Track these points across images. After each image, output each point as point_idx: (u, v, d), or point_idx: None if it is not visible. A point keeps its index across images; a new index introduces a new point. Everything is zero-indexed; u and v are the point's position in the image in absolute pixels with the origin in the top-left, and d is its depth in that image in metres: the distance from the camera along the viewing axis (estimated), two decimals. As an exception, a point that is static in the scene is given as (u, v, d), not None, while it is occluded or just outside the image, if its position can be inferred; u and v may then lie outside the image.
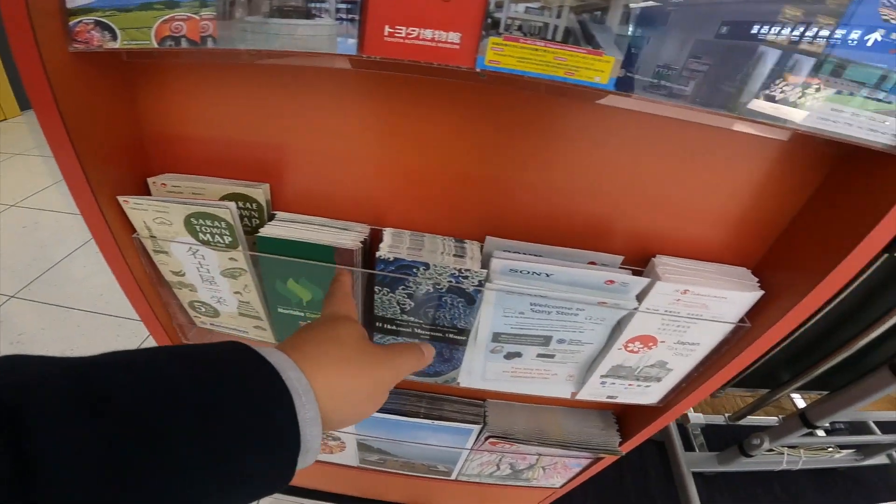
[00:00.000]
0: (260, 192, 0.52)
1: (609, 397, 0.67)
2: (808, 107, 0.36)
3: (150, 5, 0.36)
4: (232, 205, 0.47)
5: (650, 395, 0.67)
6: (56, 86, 0.39)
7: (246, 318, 0.62)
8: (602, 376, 0.63)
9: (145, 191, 0.52)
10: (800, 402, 1.54)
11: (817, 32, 0.33)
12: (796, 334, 0.95)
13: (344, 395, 0.32)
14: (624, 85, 0.36)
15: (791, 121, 0.37)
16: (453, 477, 1.00)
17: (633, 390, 0.66)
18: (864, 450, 1.58)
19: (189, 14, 0.36)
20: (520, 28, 0.35)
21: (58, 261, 1.97)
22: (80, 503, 0.19)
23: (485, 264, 0.51)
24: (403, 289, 0.52)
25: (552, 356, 0.60)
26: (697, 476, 1.50)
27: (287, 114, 0.49)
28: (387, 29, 0.35)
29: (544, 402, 0.83)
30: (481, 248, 0.53)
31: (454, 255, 0.51)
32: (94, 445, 0.20)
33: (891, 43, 0.33)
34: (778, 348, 1.01)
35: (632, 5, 0.33)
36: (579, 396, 0.67)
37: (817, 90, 0.35)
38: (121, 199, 0.48)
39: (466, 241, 0.54)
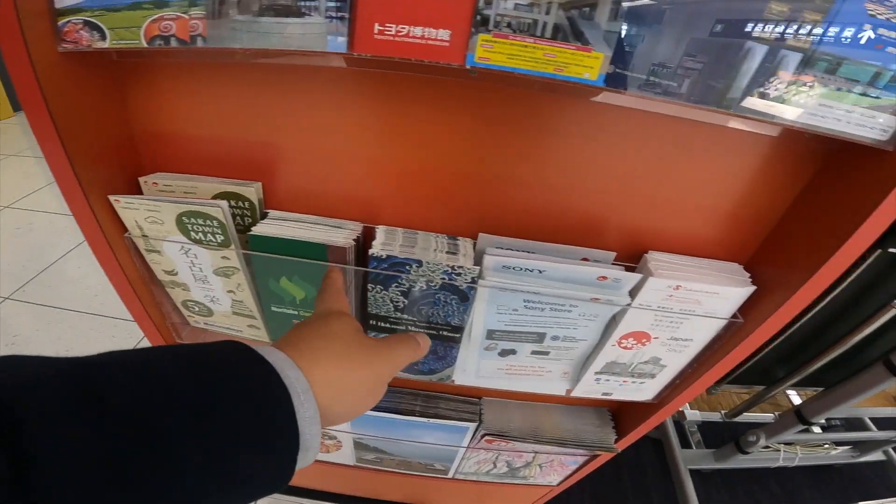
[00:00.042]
0: (252, 191, 0.52)
1: (604, 394, 0.67)
2: (798, 103, 0.36)
3: (138, 5, 0.36)
4: (224, 203, 0.47)
5: (645, 391, 0.67)
6: (45, 86, 0.39)
7: (239, 316, 0.62)
8: (596, 373, 0.63)
9: (137, 190, 0.52)
10: (795, 399, 1.55)
11: (809, 30, 0.33)
12: (791, 330, 0.96)
13: (343, 390, 0.32)
14: (613, 81, 0.36)
15: (782, 117, 0.37)
16: (450, 475, 1.00)
17: (628, 387, 0.66)
18: (860, 446, 1.59)
19: (178, 13, 0.36)
20: (509, 25, 0.35)
21: (52, 262, 1.96)
22: (78, 503, 0.19)
23: (478, 261, 0.51)
24: (397, 286, 0.52)
25: (546, 353, 0.60)
26: (695, 473, 1.50)
27: (279, 112, 0.49)
28: (376, 27, 0.35)
29: (540, 399, 0.84)
30: (474, 245, 0.53)
31: (447, 252, 0.51)
32: (93, 445, 0.20)
33: (879, 39, 0.34)
34: (773, 344, 1.01)
35: (623, 3, 0.33)
36: (574, 393, 0.67)
37: (808, 87, 0.36)
38: (112, 198, 0.48)
39: (459, 238, 0.54)
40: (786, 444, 1.49)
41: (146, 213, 0.49)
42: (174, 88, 0.48)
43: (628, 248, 0.55)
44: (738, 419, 1.45)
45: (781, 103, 0.36)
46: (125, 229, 0.51)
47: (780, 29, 0.34)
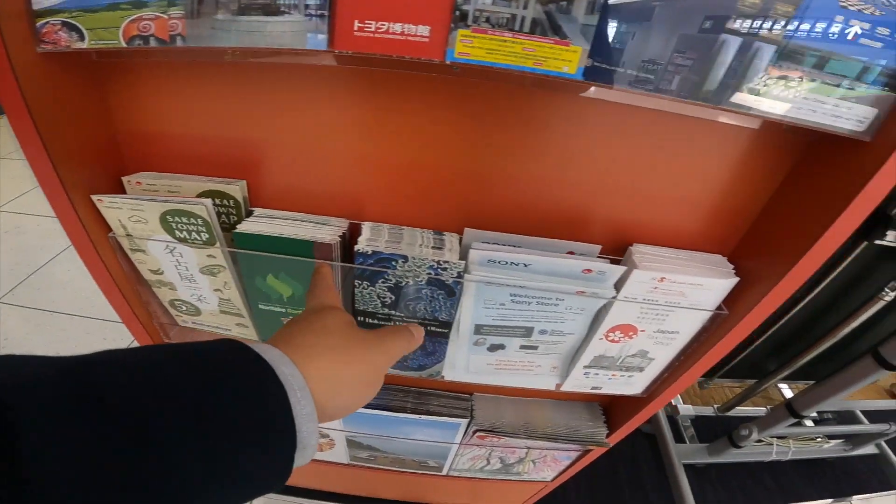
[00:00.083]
0: (237, 189, 0.52)
1: (594, 388, 0.68)
2: (776, 95, 0.37)
3: (116, 5, 0.36)
4: (208, 201, 0.47)
5: (634, 385, 0.67)
6: (25, 87, 0.39)
7: (227, 315, 0.62)
8: (585, 367, 0.63)
9: (120, 190, 0.52)
10: (787, 393, 1.56)
11: (784, 24, 0.34)
12: (781, 323, 0.97)
13: (339, 384, 0.32)
14: (592, 74, 0.36)
15: (766, 110, 0.37)
16: (445, 472, 1.00)
17: (617, 380, 0.66)
18: (853, 440, 1.60)
19: (157, 13, 0.36)
20: (488, 20, 0.35)
21: (41, 265, 1.95)
22: (74, 503, 0.19)
23: (464, 256, 0.51)
24: (383, 282, 0.52)
25: (535, 347, 0.60)
26: (689, 468, 1.51)
27: (263, 110, 0.49)
28: (356, 23, 0.36)
29: (531, 394, 0.84)
30: (460, 239, 0.53)
31: (433, 248, 0.51)
32: (89, 445, 0.20)
33: (863, 33, 0.34)
34: (763, 337, 1.03)
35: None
36: (564, 388, 0.67)
37: (790, 81, 0.36)
38: (94, 198, 0.48)
39: (445, 233, 0.54)
40: (779, 437, 1.50)
41: (130, 213, 0.48)
42: (156, 88, 0.48)
43: (613, 241, 0.55)
44: (731, 413, 1.47)
45: (764, 97, 0.37)
46: (109, 229, 0.51)
47: (757, 24, 0.34)
